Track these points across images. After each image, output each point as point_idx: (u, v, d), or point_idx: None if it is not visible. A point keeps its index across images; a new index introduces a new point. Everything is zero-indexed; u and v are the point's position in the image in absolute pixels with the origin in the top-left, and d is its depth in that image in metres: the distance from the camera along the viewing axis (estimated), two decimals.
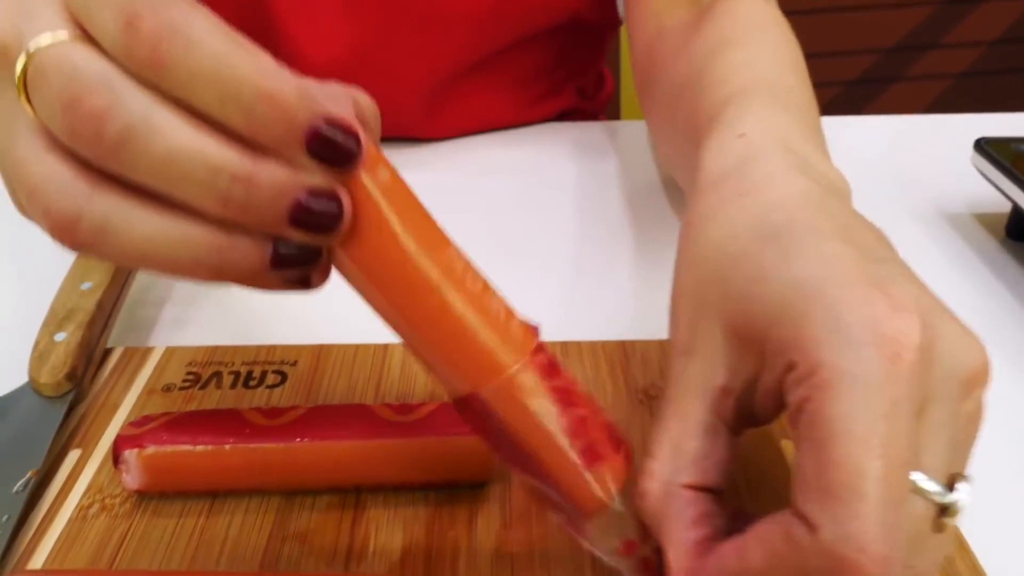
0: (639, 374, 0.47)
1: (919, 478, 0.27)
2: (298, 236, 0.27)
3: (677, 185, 0.68)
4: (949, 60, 1.90)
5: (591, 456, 0.30)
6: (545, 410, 0.30)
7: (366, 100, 0.31)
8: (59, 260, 0.53)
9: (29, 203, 0.28)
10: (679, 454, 0.30)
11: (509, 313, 0.31)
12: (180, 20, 0.25)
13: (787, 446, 0.43)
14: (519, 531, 0.38)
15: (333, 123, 0.26)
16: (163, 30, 0.25)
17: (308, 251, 0.28)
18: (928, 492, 0.27)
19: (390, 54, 0.69)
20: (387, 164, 0.29)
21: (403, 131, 0.74)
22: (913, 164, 0.71)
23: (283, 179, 0.26)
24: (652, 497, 0.30)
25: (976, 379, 0.28)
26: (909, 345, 0.26)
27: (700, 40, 0.51)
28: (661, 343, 0.50)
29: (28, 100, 0.27)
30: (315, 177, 0.27)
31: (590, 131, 0.78)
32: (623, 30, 0.96)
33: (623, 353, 0.49)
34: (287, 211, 0.27)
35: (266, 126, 0.26)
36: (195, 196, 0.26)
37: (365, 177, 0.28)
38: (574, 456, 0.30)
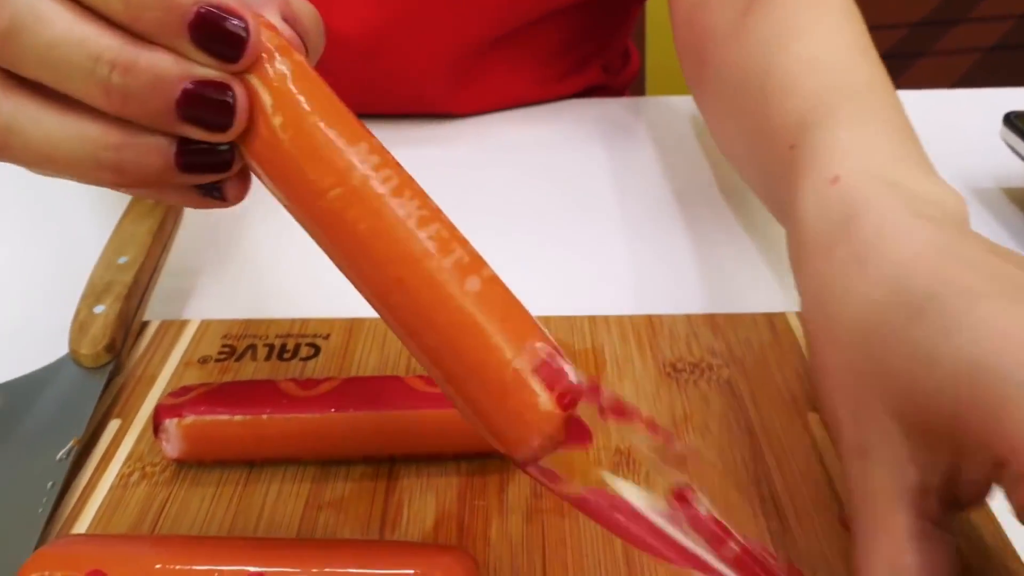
0: (666, 347, 0.48)
1: None
2: (193, 132, 0.27)
3: (704, 162, 0.68)
4: (977, 34, 1.87)
5: None
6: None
7: (301, 2, 0.30)
8: (96, 234, 0.54)
9: None
10: (898, 573, 0.28)
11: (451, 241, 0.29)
12: None
13: (813, 419, 0.43)
14: (550, 500, 0.39)
15: (219, 8, 0.25)
16: None
17: (214, 152, 0.27)
18: None
19: (416, 28, 0.69)
20: (292, 55, 0.27)
21: (428, 107, 0.75)
22: (941, 139, 0.70)
23: (166, 67, 0.26)
24: None
25: None
26: None
27: (754, 24, 0.49)
28: (688, 317, 0.50)
29: None
30: (204, 69, 0.26)
31: (615, 108, 0.78)
32: (648, 5, 0.95)
33: (650, 327, 0.49)
34: (174, 103, 0.26)
35: (144, 10, 0.25)
36: (80, 88, 0.26)
37: (265, 68, 0.27)
38: None
